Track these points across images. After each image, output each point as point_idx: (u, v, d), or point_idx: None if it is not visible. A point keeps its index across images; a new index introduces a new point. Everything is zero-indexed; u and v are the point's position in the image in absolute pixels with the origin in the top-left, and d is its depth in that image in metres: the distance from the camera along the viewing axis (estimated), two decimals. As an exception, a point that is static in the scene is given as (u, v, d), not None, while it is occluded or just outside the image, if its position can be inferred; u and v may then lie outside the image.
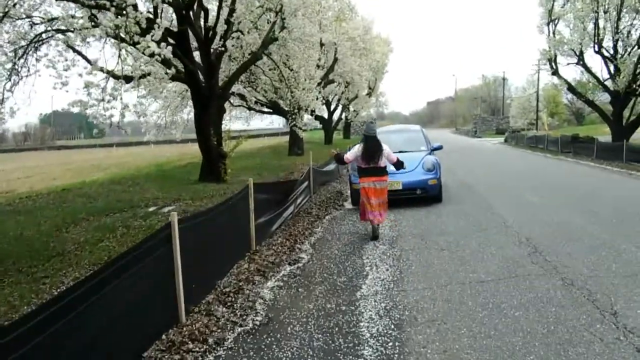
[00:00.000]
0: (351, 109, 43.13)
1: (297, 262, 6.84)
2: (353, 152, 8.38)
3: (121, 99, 10.52)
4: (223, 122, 17.88)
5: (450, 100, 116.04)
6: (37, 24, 11.24)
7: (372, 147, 8.10)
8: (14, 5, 9.25)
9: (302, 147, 28.24)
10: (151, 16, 9.09)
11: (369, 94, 45.74)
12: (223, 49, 13.95)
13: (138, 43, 8.58)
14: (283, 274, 6.34)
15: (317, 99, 22.50)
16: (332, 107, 43.18)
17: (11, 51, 11.02)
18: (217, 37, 13.05)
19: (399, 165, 8.40)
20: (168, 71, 9.49)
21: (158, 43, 9.34)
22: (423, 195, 10.85)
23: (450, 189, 12.83)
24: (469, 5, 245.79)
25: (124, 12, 9.29)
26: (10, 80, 11.08)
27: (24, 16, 10.20)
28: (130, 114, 11.28)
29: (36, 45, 12.22)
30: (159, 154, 39.42)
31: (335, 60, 29.29)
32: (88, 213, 10.19)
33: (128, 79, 14.38)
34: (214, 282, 5.70)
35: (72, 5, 10.78)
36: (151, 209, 10.55)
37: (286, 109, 21.34)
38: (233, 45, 19.21)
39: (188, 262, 4.68)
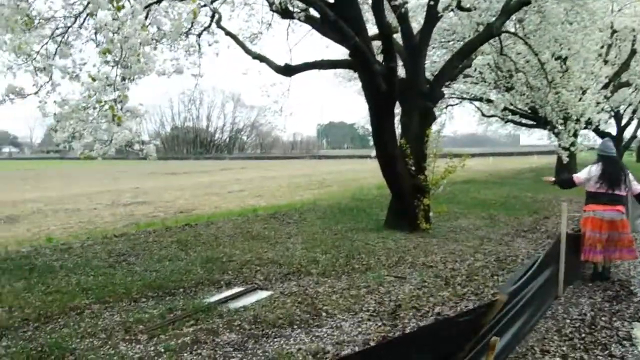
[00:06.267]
0: (653, 123, 31.90)
1: None
2: (586, 171, 6.45)
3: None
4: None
5: None
6: None
7: (614, 168, 6.34)
8: None
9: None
10: None
11: (684, 105, 33.29)
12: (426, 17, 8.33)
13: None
14: None
15: (598, 105, 14.72)
16: (624, 120, 32.67)
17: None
18: None
19: None
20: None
21: None
22: None
23: None
24: None
25: None
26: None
27: None
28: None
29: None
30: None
31: (633, 53, 20.50)
32: (102, 293, 5.77)
33: (288, 70, 9.98)
34: None
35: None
36: (210, 300, 5.57)
37: (548, 118, 14.35)
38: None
39: None
